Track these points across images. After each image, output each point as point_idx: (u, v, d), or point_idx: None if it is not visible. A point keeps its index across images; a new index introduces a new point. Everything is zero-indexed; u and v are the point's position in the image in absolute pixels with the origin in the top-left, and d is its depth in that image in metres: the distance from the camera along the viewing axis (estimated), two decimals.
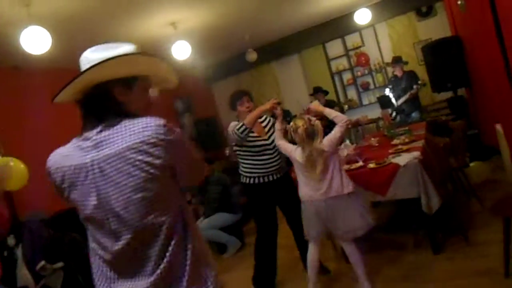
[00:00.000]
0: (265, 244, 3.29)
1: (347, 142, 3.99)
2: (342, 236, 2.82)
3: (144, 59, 1.29)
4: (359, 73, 7.81)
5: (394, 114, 5.88)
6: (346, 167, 3.48)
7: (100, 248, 1.26)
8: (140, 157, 1.14)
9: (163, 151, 1.16)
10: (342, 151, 3.68)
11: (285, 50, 8.03)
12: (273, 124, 3.19)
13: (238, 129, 2.95)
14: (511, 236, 2.47)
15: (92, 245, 1.29)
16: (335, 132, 2.77)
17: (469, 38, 4.88)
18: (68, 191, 1.24)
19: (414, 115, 5.77)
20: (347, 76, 7.97)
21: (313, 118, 2.80)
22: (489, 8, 2.87)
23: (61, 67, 5.23)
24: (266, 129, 3.26)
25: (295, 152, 2.82)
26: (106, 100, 1.23)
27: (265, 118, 3.33)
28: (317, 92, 6.53)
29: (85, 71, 1.19)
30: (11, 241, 3.83)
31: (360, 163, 3.43)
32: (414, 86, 5.54)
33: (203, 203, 4.97)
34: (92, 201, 1.19)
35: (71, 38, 4.12)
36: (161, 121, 1.19)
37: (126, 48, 1.25)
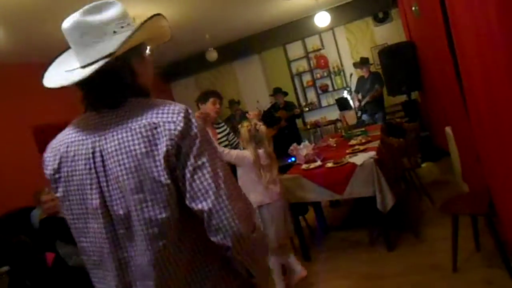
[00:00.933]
0: None
1: (306, 142, 4.03)
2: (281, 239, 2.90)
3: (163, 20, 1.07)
4: (318, 75, 7.95)
5: (359, 113, 6.03)
6: (304, 166, 3.52)
7: None
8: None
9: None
10: (301, 150, 3.73)
11: (246, 50, 8.03)
12: (228, 134, 3.22)
13: None
14: (458, 233, 2.59)
15: None
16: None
17: (422, 43, 5.08)
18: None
19: (377, 115, 5.96)
20: (307, 78, 8.10)
21: (259, 123, 2.85)
22: (440, 14, 2.99)
23: (13, 63, 4.96)
24: (219, 135, 3.19)
25: (245, 153, 2.80)
26: (124, 74, 1.00)
27: (222, 126, 3.28)
28: (277, 93, 6.59)
29: (130, 36, 0.94)
30: None
31: (319, 163, 3.49)
32: (376, 86, 5.73)
33: None
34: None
35: (21, 30, 3.89)
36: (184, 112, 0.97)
37: (117, 8, 1.00)
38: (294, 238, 3.53)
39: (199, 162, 0.93)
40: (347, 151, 3.68)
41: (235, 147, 3.19)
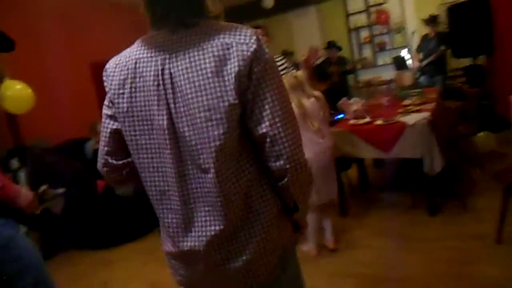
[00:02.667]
0: None
1: (357, 98, 3.90)
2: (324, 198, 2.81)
3: None
4: (377, 32, 7.53)
5: (418, 74, 5.72)
6: (352, 121, 3.44)
7: None
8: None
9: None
10: (351, 105, 3.63)
11: (304, 0, 7.72)
12: (286, 68, 3.12)
13: None
14: (509, 205, 2.46)
15: None
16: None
17: (501, 3, 4.62)
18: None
19: (437, 78, 5.60)
20: (364, 34, 7.71)
21: (297, 72, 2.79)
22: None
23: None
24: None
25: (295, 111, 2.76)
26: None
27: (281, 59, 3.17)
28: (331, 47, 6.35)
29: None
30: (15, 163, 3.89)
31: (368, 119, 3.38)
32: (442, 47, 5.36)
33: None
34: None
35: None
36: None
37: None
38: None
39: (269, 87, 0.93)
40: (399, 110, 3.53)
41: None
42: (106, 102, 1.09)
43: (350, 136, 3.25)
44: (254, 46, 0.93)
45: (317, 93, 2.75)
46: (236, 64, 0.91)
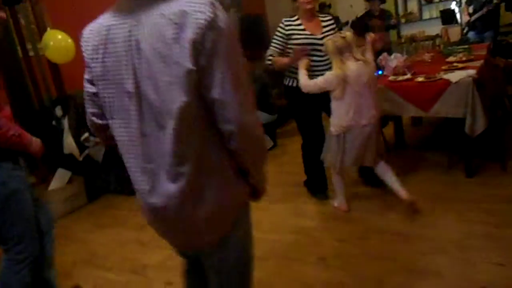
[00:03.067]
0: (311, 150, 3.10)
1: (398, 54, 3.74)
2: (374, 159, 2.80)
3: None
4: None
5: (465, 29, 5.37)
6: (392, 78, 3.32)
7: None
8: None
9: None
10: (391, 61, 3.49)
11: None
12: (334, 29, 2.98)
13: (267, 58, 2.96)
14: None
15: None
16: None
17: None
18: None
19: (487, 34, 5.24)
20: None
21: (345, 33, 2.64)
22: None
23: None
24: (324, 29, 2.92)
25: (330, 75, 2.59)
26: None
27: (329, 18, 3.03)
28: None
29: None
30: (58, 111, 4.07)
31: (408, 76, 3.26)
32: (495, 0, 4.97)
33: None
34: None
35: None
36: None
37: None
38: None
39: (221, 55, 0.98)
40: (443, 67, 3.37)
41: None
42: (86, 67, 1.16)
43: (388, 93, 3.15)
44: (209, 14, 0.96)
45: (367, 56, 2.63)
46: (191, 31, 0.95)
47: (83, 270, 2.81)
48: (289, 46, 2.92)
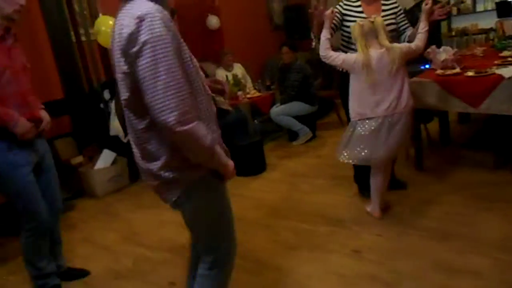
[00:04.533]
0: None
1: (447, 47, 3.58)
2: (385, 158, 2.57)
3: None
4: None
5: None
6: (439, 72, 3.20)
7: None
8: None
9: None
10: (439, 54, 3.36)
11: None
12: (397, 13, 2.78)
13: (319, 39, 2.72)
14: None
15: None
16: (412, 46, 2.49)
17: None
18: None
19: None
20: None
21: (375, 18, 2.44)
22: None
23: None
24: (384, 13, 2.70)
25: (352, 56, 2.47)
26: None
27: (392, 2, 2.80)
28: None
29: None
30: (106, 95, 4.25)
31: (458, 70, 3.13)
32: None
33: (281, 90, 5.00)
34: None
35: None
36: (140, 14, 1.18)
37: None
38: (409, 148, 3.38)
39: (144, 63, 1.15)
40: (496, 62, 3.20)
41: (402, 33, 2.80)
42: None
43: (434, 87, 3.04)
44: (132, 28, 1.15)
45: (393, 44, 2.44)
46: (120, 41, 1.19)
47: (123, 246, 2.95)
48: (343, 27, 2.78)
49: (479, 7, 6.86)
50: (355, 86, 2.53)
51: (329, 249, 2.48)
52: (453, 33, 6.87)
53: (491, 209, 2.60)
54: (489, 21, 6.33)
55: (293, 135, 4.86)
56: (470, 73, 2.97)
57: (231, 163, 1.40)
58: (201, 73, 1.40)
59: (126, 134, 4.08)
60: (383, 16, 2.63)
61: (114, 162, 4.13)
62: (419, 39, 2.50)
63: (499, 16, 5.60)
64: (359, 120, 2.52)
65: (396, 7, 2.81)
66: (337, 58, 2.53)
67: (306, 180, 3.64)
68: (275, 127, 5.18)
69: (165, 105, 1.16)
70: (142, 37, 1.13)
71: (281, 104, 4.83)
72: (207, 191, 1.42)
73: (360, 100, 2.51)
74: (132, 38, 1.14)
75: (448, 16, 6.51)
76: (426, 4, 2.55)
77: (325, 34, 2.57)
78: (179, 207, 1.44)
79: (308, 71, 4.79)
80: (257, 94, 4.99)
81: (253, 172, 3.98)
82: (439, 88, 3.03)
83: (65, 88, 4.28)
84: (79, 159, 4.15)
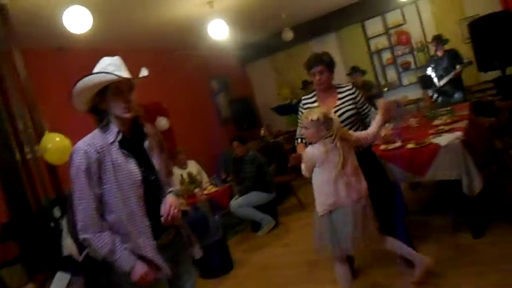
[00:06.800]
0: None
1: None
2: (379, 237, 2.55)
3: None
4: (399, 52, 7.53)
5: (435, 96, 5.65)
6: (383, 147, 3.40)
7: None
8: None
9: None
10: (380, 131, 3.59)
11: (323, 29, 7.84)
12: (356, 98, 2.82)
13: (295, 138, 2.87)
14: None
15: None
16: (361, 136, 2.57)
17: None
18: None
19: (457, 96, 5.50)
20: (386, 56, 7.72)
21: (332, 112, 2.50)
22: None
23: (99, 48, 5.39)
24: (339, 102, 2.76)
25: (308, 151, 2.45)
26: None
27: (347, 89, 2.87)
28: (354, 72, 6.37)
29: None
30: (57, 212, 4.04)
31: (399, 143, 3.34)
32: (457, 66, 5.28)
33: (237, 181, 5.02)
34: None
35: (109, 17, 4.19)
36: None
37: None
38: None
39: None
40: (430, 132, 3.48)
41: (366, 116, 2.83)
42: None
43: (384, 162, 3.20)
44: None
45: (347, 148, 2.44)
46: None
47: None
48: None
49: (405, 81, 7.61)
50: (315, 177, 2.48)
51: None
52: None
53: (466, 274, 2.61)
54: (416, 93, 7.00)
55: (256, 226, 4.80)
56: (410, 145, 3.18)
57: (136, 271, 1.68)
58: (140, 190, 1.74)
59: (80, 252, 3.83)
60: (337, 105, 2.74)
61: (69, 285, 3.79)
62: (372, 128, 2.58)
63: (423, 88, 6.21)
64: (328, 211, 2.43)
65: (353, 93, 2.84)
66: (305, 156, 2.49)
67: (278, 273, 3.53)
68: (237, 220, 5.11)
69: (76, 215, 1.66)
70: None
71: (240, 196, 4.82)
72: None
73: (325, 190, 2.43)
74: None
75: (380, 94, 7.11)
76: (382, 102, 2.68)
77: (303, 163, 2.56)
78: None
79: (261, 160, 4.90)
80: (214, 189, 4.97)
81: (221, 272, 3.81)
82: (387, 162, 3.19)
83: (11, 210, 4.04)
84: (29, 287, 3.78)
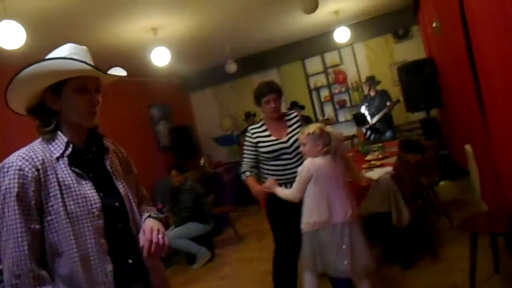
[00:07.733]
0: (283, 265, 2.81)
1: None
2: (360, 270, 2.38)
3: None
4: (336, 91, 7.93)
5: (368, 133, 5.99)
6: None
7: None
8: None
9: None
10: None
11: (265, 63, 8.08)
12: (300, 126, 2.78)
13: (241, 172, 2.81)
14: (477, 253, 2.51)
15: None
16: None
17: (442, 60, 5.04)
18: None
19: (388, 134, 5.91)
20: (324, 93, 8.08)
21: (328, 127, 2.51)
22: (462, 32, 2.97)
23: None
24: (289, 129, 2.79)
25: (302, 172, 2.40)
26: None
27: (293, 117, 2.87)
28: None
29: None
30: None
31: None
32: (388, 103, 5.69)
33: (174, 212, 4.87)
34: None
35: (46, 36, 4.01)
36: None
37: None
38: None
39: None
40: (363, 166, 3.64)
41: None
42: None
43: None
44: None
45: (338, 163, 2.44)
46: None
47: None
48: (259, 153, 2.81)
49: (341, 118, 7.99)
50: (307, 195, 2.41)
51: None
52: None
53: None
54: (351, 129, 7.37)
55: (191, 258, 4.64)
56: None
57: None
58: (99, 222, 1.26)
59: None
60: (289, 133, 2.77)
61: None
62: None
63: (357, 125, 6.56)
64: (318, 229, 2.37)
65: (298, 120, 2.85)
66: (292, 193, 2.46)
67: None
68: (171, 252, 4.91)
69: (2, 260, 1.19)
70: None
71: (176, 226, 4.67)
72: None
73: (316, 208, 2.37)
74: None
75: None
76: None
77: (281, 189, 2.57)
78: None
79: (199, 190, 4.81)
80: None
81: None
82: None
83: None
84: None
